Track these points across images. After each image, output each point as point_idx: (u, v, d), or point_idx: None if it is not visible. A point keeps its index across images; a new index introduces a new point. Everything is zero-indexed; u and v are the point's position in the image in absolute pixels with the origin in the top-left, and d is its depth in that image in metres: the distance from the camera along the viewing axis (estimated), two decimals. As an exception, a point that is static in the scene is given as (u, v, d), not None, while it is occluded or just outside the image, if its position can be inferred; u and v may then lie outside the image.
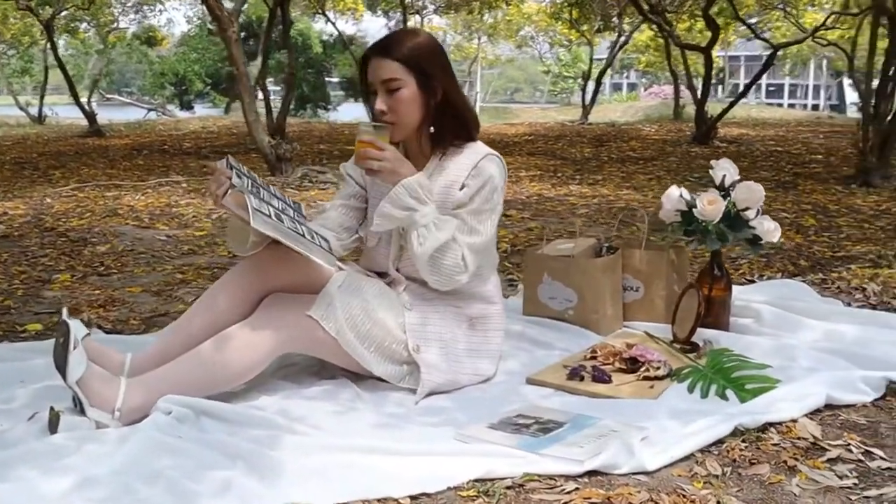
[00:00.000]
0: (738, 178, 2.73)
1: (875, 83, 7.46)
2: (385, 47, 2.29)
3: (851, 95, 43.66)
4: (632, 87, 51.93)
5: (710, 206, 2.61)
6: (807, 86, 56.29)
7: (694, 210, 2.64)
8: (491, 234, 2.34)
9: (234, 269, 2.31)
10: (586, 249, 2.86)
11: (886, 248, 4.35)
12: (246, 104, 7.08)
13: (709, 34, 11.93)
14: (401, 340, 2.27)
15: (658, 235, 2.94)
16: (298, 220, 2.27)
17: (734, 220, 2.66)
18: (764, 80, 51.48)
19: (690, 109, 19.61)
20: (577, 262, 2.77)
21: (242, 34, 23.92)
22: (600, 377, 2.32)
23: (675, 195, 2.73)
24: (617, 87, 51.65)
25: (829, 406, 2.19)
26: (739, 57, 46.62)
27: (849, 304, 3.22)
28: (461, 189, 2.31)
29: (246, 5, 12.88)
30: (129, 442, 1.85)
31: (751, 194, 2.66)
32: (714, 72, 15.03)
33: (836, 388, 2.23)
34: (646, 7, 12.41)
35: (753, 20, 17.92)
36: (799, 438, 2.01)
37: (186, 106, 28.76)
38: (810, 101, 53.93)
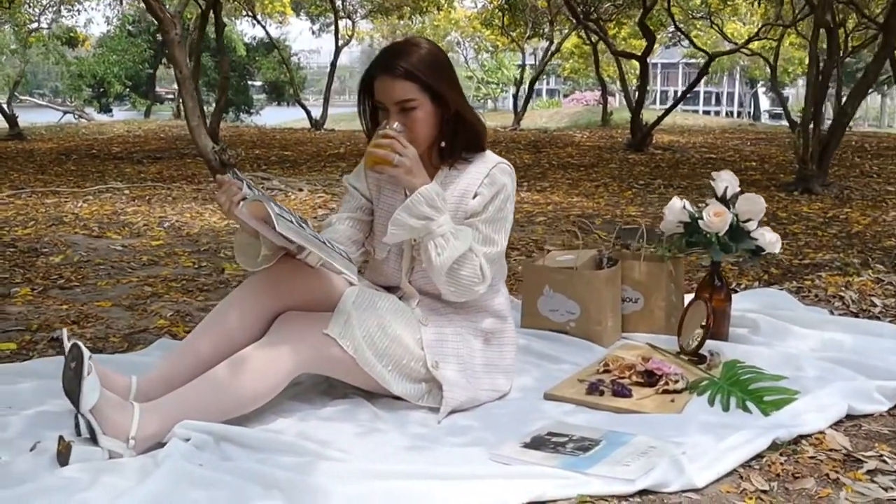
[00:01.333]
0: (738, 189, 2.73)
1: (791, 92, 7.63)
2: (395, 65, 2.18)
3: (765, 103, 45.02)
4: (551, 93, 52.55)
5: (716, 218, 2.60)
6: (720, 93, 57.79)
7: (700, 222, 2.63)
8: (504, 244, 2.29)
9: (245, 285, 2.20)
10: (588, 261, 2.83)
11: (848, 255, 4.44)
12: (189, 109, 6.87)
13: (635, 42, 12.13)
14: (419, 357, 2.19)
15: (656, 247, 2.92)
16: (309, 228, 2.18)
17: (736, 231, 2.66)
18: (680, 88, 52.76)
19: (618, 116, 19.97)
20: (581, 274, 2.73)
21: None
22: (621, 391, 2.28)
23: (677, 206, 2.72)
24: (537, 94, 52.22)
25: (848, 416, 2.20)
26: (657, 64, 47.65)
27: (832, 312, 3.25)
28: (474, 198, 2.25)
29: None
30: (154, 474, 1.74)
31: (753, 206, 2.67)
32: (635, 79, 15.30)
33: (855, 398, 2.24)
34: (580, 14, 12.53)
35: (671, 29, 18.30)
36: (832, 450, 2.01)
37: (105, 109, 28.00)
38: (724, 108, 55.39)
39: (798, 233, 5.23)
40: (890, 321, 3.16)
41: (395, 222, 2.15)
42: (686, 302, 2.89)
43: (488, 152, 2.33)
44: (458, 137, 2.27)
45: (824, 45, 7.80)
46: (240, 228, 2.18)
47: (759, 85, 39.07)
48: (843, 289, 3.61)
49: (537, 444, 1.96)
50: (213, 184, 6.96)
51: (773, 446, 1.98)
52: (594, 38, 16.00)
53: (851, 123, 10.31)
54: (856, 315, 3.26)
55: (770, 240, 2.66)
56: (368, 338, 2.13)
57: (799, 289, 3.64)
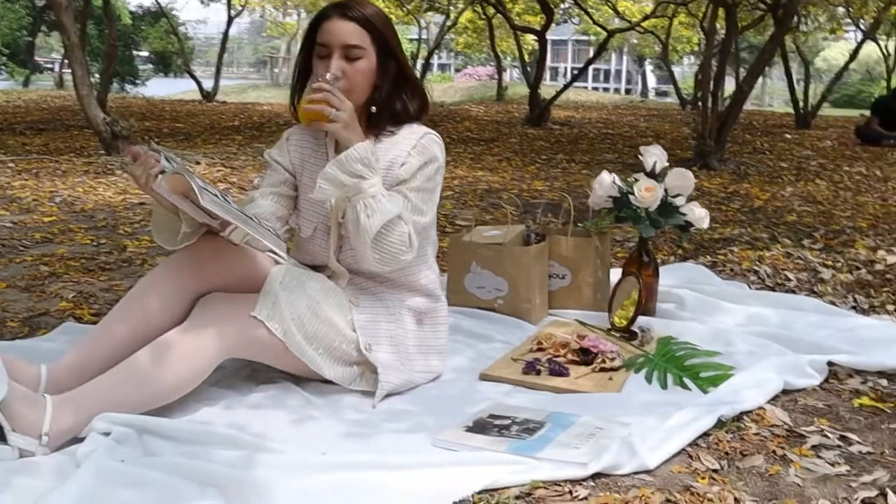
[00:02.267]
0: (667, 164, 2.71)
1: (677, 70, 7.78)
2: (351, 9, 2.09)
3: (651, 81, 46.05)
4: (442, 67, 52.48)
5: (647, 193, 2.57)
6: (609, 70, 58.84)
7: (631, 197, 2.60)
8: (434, 215, 2.20)
9: (165, 265, 2.04)
10: (515, 237, 2.77)
11: (755, 230, 4.52)
12: (78, 77, 6.51)
13: (529, 17, 12.15)
14: (351, 339, 2.09)
15: (583, 222, 2.88)
16: (234, 203, 2.04)
17: (665, 206, 2.64)
18: (570, 64, 53.46)
19: (513, 91, 20.06)
20: (510, 250, 2.66)
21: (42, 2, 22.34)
22: (558, 371, 2.23)
23: (607, 181, 2.68)
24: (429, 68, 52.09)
25: (783, 391, 2.21)
26: (548, 40, 48.02)
27: (750, 287, 3.28)
28: (401, 167, 2.13)
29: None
30: (75, 474, 1.59)
31: (683, 181, 2.65)
32: (527, 55, 15.36)
33: (789, 373, 2.25)
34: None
35: (564, 6, 18.47)
36: (774, 426, 2.00)
37: (-22, 78, 26.55)
38: (612, 85, 56.44)
39: (703, 207, 5.29)
40: (806, 294, 3.21)
41: (326, 176, 2.00)
42: (612, 277, 2.87)
43: (415, 124, 2.22)
44: (395, 102, 2.16)
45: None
46: (156, 204, 2.02)
47: (647, 62, 39.90)
48: (756, 263, 3.66)
49: (481, 427, 1.89)
50: (114, 156, 6.65)
51: (718, 423, 1.95)
52: (490, 12, 15.98)
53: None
54: (772, 289, 3.30)
55: (699, 215, 2.65)
56: (297, 320, 2.01)
57: (714, 263, 3.68)
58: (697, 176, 6.80)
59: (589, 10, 17.75)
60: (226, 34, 17.10)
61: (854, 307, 3.07)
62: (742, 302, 2.92)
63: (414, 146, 2.14)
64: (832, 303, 3.08)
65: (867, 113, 12.18)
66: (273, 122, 11.19)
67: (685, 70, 37.04)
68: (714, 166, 7.27)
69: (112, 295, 2.96)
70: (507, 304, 2.68)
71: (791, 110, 16.27)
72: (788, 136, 11.21)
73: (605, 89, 49.71)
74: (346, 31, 2.07)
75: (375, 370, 2.09)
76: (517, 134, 10.40)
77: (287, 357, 2.02)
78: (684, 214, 2.64)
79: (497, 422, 1.92)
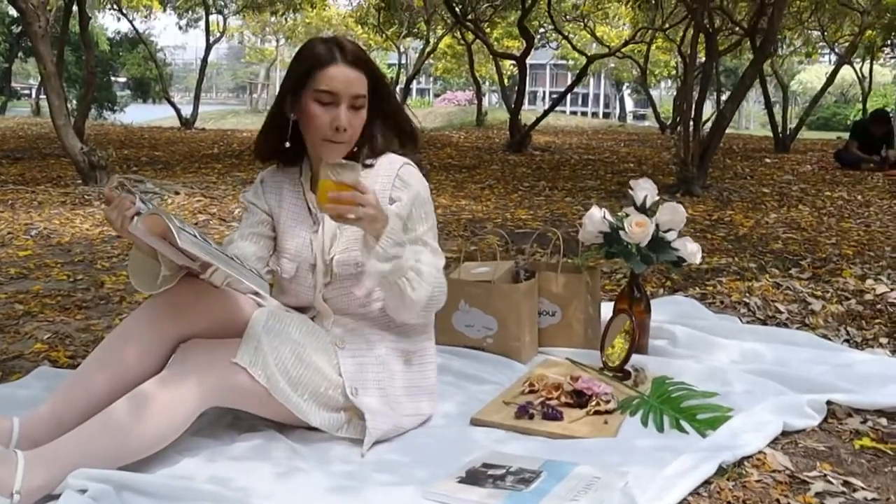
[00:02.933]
0: (657, 198, 2.66)
1: (654, 94, 7.79)
2: (358, 57, 2.03)
3: (628, 105, 46.38)
4: (421, 92, 52.65)
5: (638, 229, 2.52)
6: (587, 94, 59.22)
7: (621, 232, 2.54)
8: None
9: (142, 311, 1.96)
10: (504, 274, 2.70)
11: (742, 259, 4.48)
12: (55, 107, 6.43)
13: (508, 42, 12.18)
14: (337, 384, 2.01)
15: (573, 257, 2.82)
16: (213, 242, 1.96)
17: (657, 241, 2.58)
18: (548, 88, 53.75)
19: (492, 116, 20.08)
20: (499, 287, 2.60)
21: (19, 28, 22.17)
22: (551, 414, 2.16)
23: (597, 217, 2.63)
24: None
25: (782, 432, 2.15)
26: (527, 66, 48.28)
27: (741, 320, 3.24)
28: (391, 203, 2.07)
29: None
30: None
31: (675, 216, 2.60)
32: (506, 80, 15.40)
33: (788, 413, 2.19)
34: (459, 14, 12.49)
35: (542, 31, 18.54)
36: (775, 471, 1.94)
37: (-46, 105, 26.32)
38: (590, 109, 56.78)
39: (688, 235, 5.25)
40: (798, 328, 3.17)
41: (371, 274, 1.95)
42: (602, 313, 2.82)
43: (391, 154, 2.15)
44: (377, 137, 2.11)
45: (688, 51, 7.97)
46: (134, 247, 1.95)
47: (625, 87, 40.20)
48: (746, 295, 3.61)
49: (474, 478, 1.81)
50: (92, 186, 6.54)
51: (719, 471, 1.89)
52: (469, 37, 16.02)
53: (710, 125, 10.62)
54: (763, 322, 3.25)
55: (691, 250, 2.60)
56: (281, 365, 1.94)
57: (704, 295, 3.63)
58: (680, 203, 6.83)
59: (568, 35, 17.88)
60: (204, 60, 17.05)
61: (847, 340, 3.03)
62: (735, 337, 2.86)
63: (396, 176, 2.09)
64: (825, 336, 3.03)
65: (844, 136, 12.28)
66: (252, 150, 11.11)
67: (662, 94, 37.34)
68: (697, 192, 7.25)
69: (88, 335, 2.87)
70: (496, 342, 2.61)
71: (769, 133, 16.41)
72: (768, 160, 11.25)
73: (584, 113, 49.97)
74: (355, 80, 2.01)
75: (363, 416, 2.02)
76: (499, 160, 10.38)
77: (271, 404, 1.94)
78: (676, 250, 2.59)
79: (491, 472, 1.84)
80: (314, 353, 1.99)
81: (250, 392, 1.91)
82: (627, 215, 2.60)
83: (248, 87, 34.06)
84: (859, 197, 7.49)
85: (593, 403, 2.21)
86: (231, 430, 2.06)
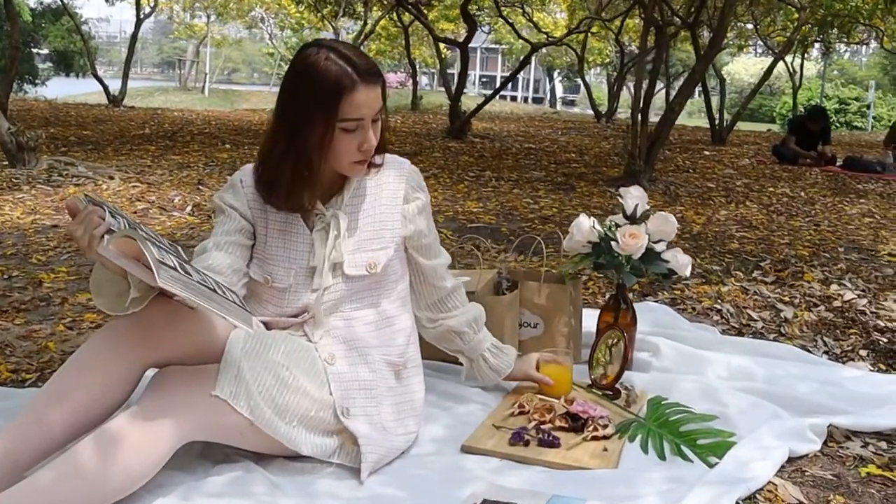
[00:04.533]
0: (647, 206, 2.54)
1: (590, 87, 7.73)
2: (373, 70, 1.86)
3: (559, 90, 46.58)
4: (351, 73, 51.93)
5: (631, 241, 2.39)
6: (516, 79, 59.33)
7: (613, 244, 2.41)
8: None
9: (107, 335, 1.74)
10: (487, 284, 2.55)
11: (704, 261, 4.42)
12: (-20, 85, 6.05)
13: (444, 25, 12.01)
14: (327, 404, 1.85)
15: (556, 266, 2.69)
16: (192, 267, 1.76)
17: (647, 253, 2.46)
18: (478, 72, 53.67)
19: (427, 100, 19.91)
20: (483, 299, 2.45)
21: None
22: (548, 441, 2.03)
23: (586, 226, 2.49)
24: (340, 73, 51.40)
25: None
26: (467, 51, 48.17)
27: (721, 331, 3.15)
28: (406, 203, 2.06)
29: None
30: None
31: (666, 226, 2.48)
32: (441, 65, 15.23)
33: (792, 438, 2.09)
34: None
35: (479, 13, 18.38)
36: (788, 507, 1.84)
37: None
38: (520, 93, 56.90)
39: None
40: (775, 337, 3.10)
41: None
42: (583, 325, 2.70)
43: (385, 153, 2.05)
44: (381, 140, 1.97)
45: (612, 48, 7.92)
46: (98, 263, 1.73)
47: (556, 73, 40.32)
48: (717, 301, 3.53)
49: (478, 519, 1.67)
50: (20, 169, 6.18)
51: (735, 507, 1.78)
52: (406, 19, 15.79)
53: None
54: (739, 331, 3.17)
55: (682, 262, 2.48)
56: (265, 392, 1.76)
57: (673, 300, 3.54)
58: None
59: (504, 22, 17.76)
60: (134, 36, 16.47)
61: (826, 352, 2.97)
62: (717, 349, 2.77)
63: (406, 175, 2.06)
64: (804, 347, 2.97)
65: (773, 128, 12.44)
66: (185, 131, 10.76)
67: (591, 81, 37.59)
68: (644, 186, 7.17)
69: (31, 344, 2.64)
70: (477, 357, 2.46)
71: (701, 123, 16.60)
72: (707, 152, 11.32)
73: (514, 98, 50.02)
74: (376, 98, 1.86)
75: (356, 440, 1.85)
76: (439, 147, 10.23)
77: (257, 436, 1.77)
78: (667, 261, 2.47)
79: (494, 510, 1.70)
80: (301, 374, 1.82)
81: (233, 425, 1.73)
82: (617, 225, 2.48)
83: (177, 64, 33.18)
84: (802, 194, 7.54)
85: (590, 429, 2.07)
86: (203, 462, 1.87)
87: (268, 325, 1.98)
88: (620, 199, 2.54)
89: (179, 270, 1.58)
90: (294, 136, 1.86)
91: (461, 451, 2.02)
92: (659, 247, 2.49)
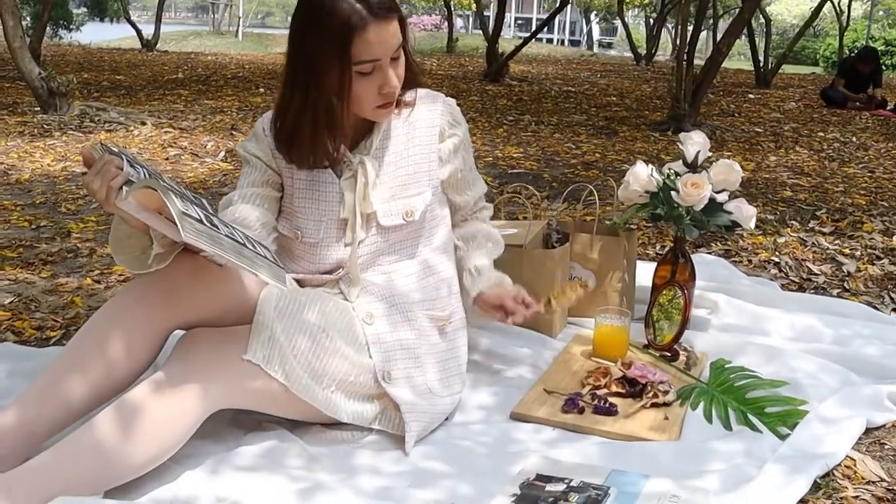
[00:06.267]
0: (710, 153, 2.35)
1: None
2: (383, 4, 1.65)
3: (595, 32, 45.69)
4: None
5: (693, 190, 2.21)
6: (553, 22, 58.25)
7: (673, 193, 2.24)
8: None
9: (129, 296, 1.61)
10: (536, 237, 2.39)
11: (758, 210, 4.20)
12: (9, 28, 5.93)
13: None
14: (367, 368, 1.71)
15: (611, 218, 2.51)
16: (219, 220, 1.61)
17: (709, 204, 2.28)
18: (513, 14, 52.77)
19: (462, 43, 19.53)
20: (531, 253, 2.29)
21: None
22: (604, 408, 1.88)
23: (643, 174, 2.31)
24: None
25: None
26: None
27: (772, 280, 2.98)
28: (444, 140, 1.89)
29: None
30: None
31: (731, 175, 2.29)
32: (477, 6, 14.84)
33: (868, 408, 1.93)
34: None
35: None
36: (870, 483, 1.68)
37: None
38: (556, 35, 55.92)
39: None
40: (839, 293, 2.91)
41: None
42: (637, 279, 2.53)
43: (418, 87, 1.88)
44: (407, 75, 1.78)
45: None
46: (116, 217, 1.59)
47: (593, 15, 39.50)
48: (774, 253, 3.34)
49: (532, 499, 1.53)
50: (52, 114, 6.08)
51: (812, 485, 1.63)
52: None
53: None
54: (801, 286, 2.99)
55: (747, 213, 2.30)
56: (301, 356, 1.63)
57: (727, 252, 3.36)
58: (673, 142, 6.54)
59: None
60: (165, -22, 16.23)
61: (895, 309, 2.78)
62: (779, 306, 2.60)
63: (442, 111, 1.89)
64: (871, 304, 2.78)
65: (817, 70, 12.01)
66: (219, 75, 10.60)
67: (629, 22, 36.80)
68: (689, 130, 6.93)
69: (56, 299, 2.52)
70: (525, 314, 2.32)
71: (744, 66, 16.12)
72: (751, 95, 10.97)
73: (549, 40, 49.14)
74: (392, 34, 1.67)
75: (397, 406, 1.72)
76: (477, 91, 9.99)
77: (290, 402, 1.64)
78: (730, 213, 2.29)
79: (550, 487, 1.56)
80: (338, 335, 1.68)
81: (266, 391, 1.60)
82: (677, 174, 2.29)
83: (210, 8, 32.90)
84: (854, 139, 7.25)
85: (650, 395, 1.92)
86: (234, 429, 1.76)
87: (301, 283, 1.84)
88: (680, 146, 2.35)
89: (205, 223, 1.43)
90: (308, 87, 1.68)
91: (510, 419, 1.88)
92: (721, 197, 2.30)
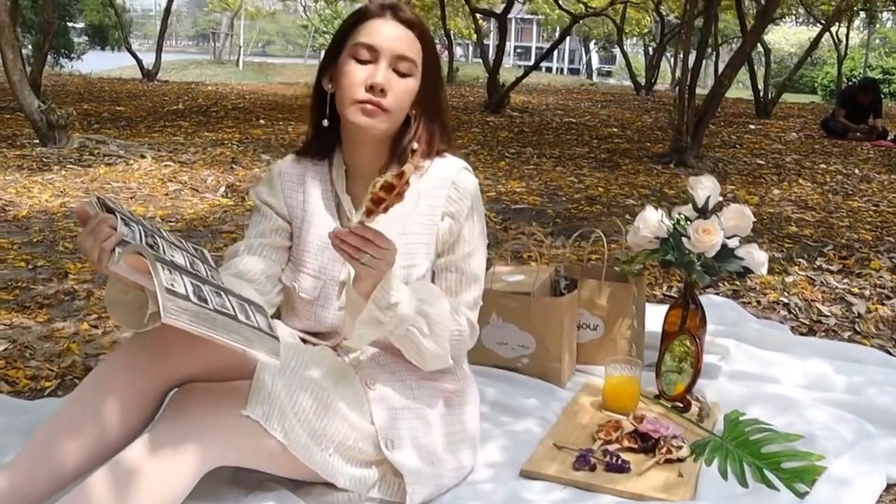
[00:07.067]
0: (720, 198, 2.31)
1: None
2: (409, 17, 1.67)
3: (595, 61, 45.90)
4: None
5: (705, 237, 2.16)
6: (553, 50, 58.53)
7: (684, 240, 2.19)
8: (485, 272, 1.81)
9: (122, 356, 1.55)
10: (544, 284, 2.34)
11: (762, 245, 4.16)
12: (9, 62, 5.92)
13: None
14: (367, 434, 1.65)
15: (618, 264, 2.46)
16: (211, 274, 1.55)
17: (721, 249, 2.23)
18: (513, 43, 53.06)
19: (463, 72, 19.57)
20: (540, 301, 2.24)
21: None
22: (616, 465, 1.82)
23: (653, 220, 2.26)
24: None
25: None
26: (506, 23, 47.76)
27: (782, 323, 2.93)
28: (442, 219, 1.72)
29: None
30: None
31: (742, 220, 2.24)
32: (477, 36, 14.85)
33: (888, 461, 1.88)
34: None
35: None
36: (893, 548, 1.62)
37: None
38: (555, 64, 56.20)
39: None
40: (849, 335, 2.86)
41: (366, 321, 1.57)
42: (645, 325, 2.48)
43: (448, 155, 1.78)
44: (431, 134, 1.72)
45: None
46: (111, 278, 1.53)
47: (592, 43, 39.71)
48: (783, 294, 3.30)
49: (544, 565, 1.47)
50: (51, 147, 6.05)
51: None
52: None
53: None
54: (811, 328, 2.94)
55: (759, 260, 2.25)
56: (302, 415, 1.57)
57: (735, 292, 3.31)
58: (676, 175, 6.52)
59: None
60: (167, 10, 16.31)
61: (909, 354, 2.73)
62: (790, 350, 2.55)
63: (451, 185, 1.73)
64: (882, 347, 2.74)
65: (815, 99, 12.01)
66: (219, 105, 10.60)
67: (628, 51, 36.96)
68: (691, 164, 6.92)
69: (52, 346, 2.47)
70: (532, 363, 2.27)
71: (743, 95, 16.14)
72: (752, 126, 10.97)
73: (549, 69, 49.38)
74: (402, 37, 1.64)
75: (396, 472, 1.66)
76: (478, 122, 9.99)
77: (288, 462, 1.57)
78: (741, 259, 2.24)
79: (562, 554, 1.50)
80: (339, 396, 1.63)
81: (264, 449, 1.54)
82: (688, 219, 2.25)
83: (211, 37, 33.07)
84: (856, 171, 7.23)
85: (663, 450, 1.87)
86: (235, 489, 1.69)
87: (304, 339, 1.79)
88: (690, 190, 2.30)
89: (192, 298, 1.35)
90: (319, 74, 1.73)
91: (520, 476, 1.82)
92: (732, 242, 2.26)
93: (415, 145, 1.70)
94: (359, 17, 1.67)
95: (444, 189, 1.73)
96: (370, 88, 1.62)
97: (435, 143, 1.73)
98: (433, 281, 1.76)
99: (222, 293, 1.47)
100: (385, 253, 1.50)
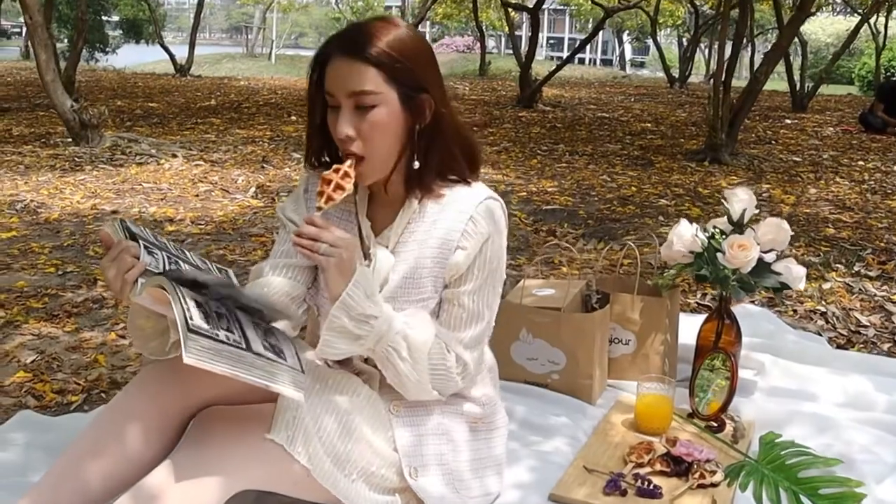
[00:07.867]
0: (756, 210, 2.25)
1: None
2: (355, 44, 1.53)
3: (627, 51, 45.50)
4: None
5: (740, 252, 2.10)
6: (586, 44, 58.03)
7: (718, 255, 2.13)
8: (494, 313, 1.71)
9: (145, 381, 1.53)
10: (574, 299, 2.30)
11: (799, 249, 4.09)
12: (42, 62, 5.95)
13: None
14: (391, 461, 1.62)
15: (653, 278, 2.41)
16: (234, 295, 1.51)
17: (757, 264, 2.17)
18: (545, 34, 52.75)
19: (495, 66, 19.49)
20: (569, 317, 2.20)
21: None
22: (648, 491, 1.77)
23: (687, 234, 2.21)
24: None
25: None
26: (539, 16, 47.51)
27: (819, 334, 2.86)
28: (454, 252, 1.64)
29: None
30: None
31: (777, 234, 2.19)
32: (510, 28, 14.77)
33: (930, 490, 1.81)
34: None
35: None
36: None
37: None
38: (588, 55, 55.80)
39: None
40: (889, 348, 2.79)
41: (332, 326, 1.52)
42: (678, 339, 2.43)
43: (473, 182, 1.69)
44: (432, 157, 1.63)
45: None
46: (134, 305, 1.50)
47: (625, 35, 39.35)
48: (821, 302, 3.22)
49: None
50: (83, 147, 6.08)
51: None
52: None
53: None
54: (849, 339, 2.87)
55: (796, 274, 2.19)
56: (327, 440, 1.54)
57: (771, 301, 3.23)
58: (711, 173, 6.42)
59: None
60: (200, 4, 16.38)
61: (951, 368, 2.65)
62: (828, 365, 2.49)
63: (469, 219, 1.63)
64: (924, 361, 2.66)
65: (853, 90, 11.79)
66: (251, 101, 10.62)
67: (661, 42, 36.58)
68: (726, 161, 6.83)
69: (80, 357, 2.46)
70: (563, 379, 2.22)
71: (778, 87, 15.90)
72: (788, 120, 10.82)
73: (582, 60, 48.99)
74: (351, 74, 1.53)
75: (421, 500, 1.63)
76: (510, 118, 9.93)
77: (312, 487, 1.55)
78: (778, 273, 2.18)
79: (592, 588, 1.46)
80: (364, 422, 1.60)
81: (287, 474, 1.51)
82: (723, 234, 2.19)
83: (244, 30, 33.18)
84: (895, 168, 7.08)
85: (696, 475, 1.82)
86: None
87: (327, 362, 1.76)
88: (724, 203, 2.25)
89: (213, 333, 1.32)
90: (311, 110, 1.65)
91: (549, 500, 1.78)
92: (769, 257, 2.20)
93: (416, 164, 1.63)
94: (316, 65, 1.57)
95: (460, 222, 1.63)
96: (341, 141, 1.56)
97: (449, 165, 1.65)
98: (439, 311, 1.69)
99: (245, 326, 1.44)
100: (337, 240, 1.48)
